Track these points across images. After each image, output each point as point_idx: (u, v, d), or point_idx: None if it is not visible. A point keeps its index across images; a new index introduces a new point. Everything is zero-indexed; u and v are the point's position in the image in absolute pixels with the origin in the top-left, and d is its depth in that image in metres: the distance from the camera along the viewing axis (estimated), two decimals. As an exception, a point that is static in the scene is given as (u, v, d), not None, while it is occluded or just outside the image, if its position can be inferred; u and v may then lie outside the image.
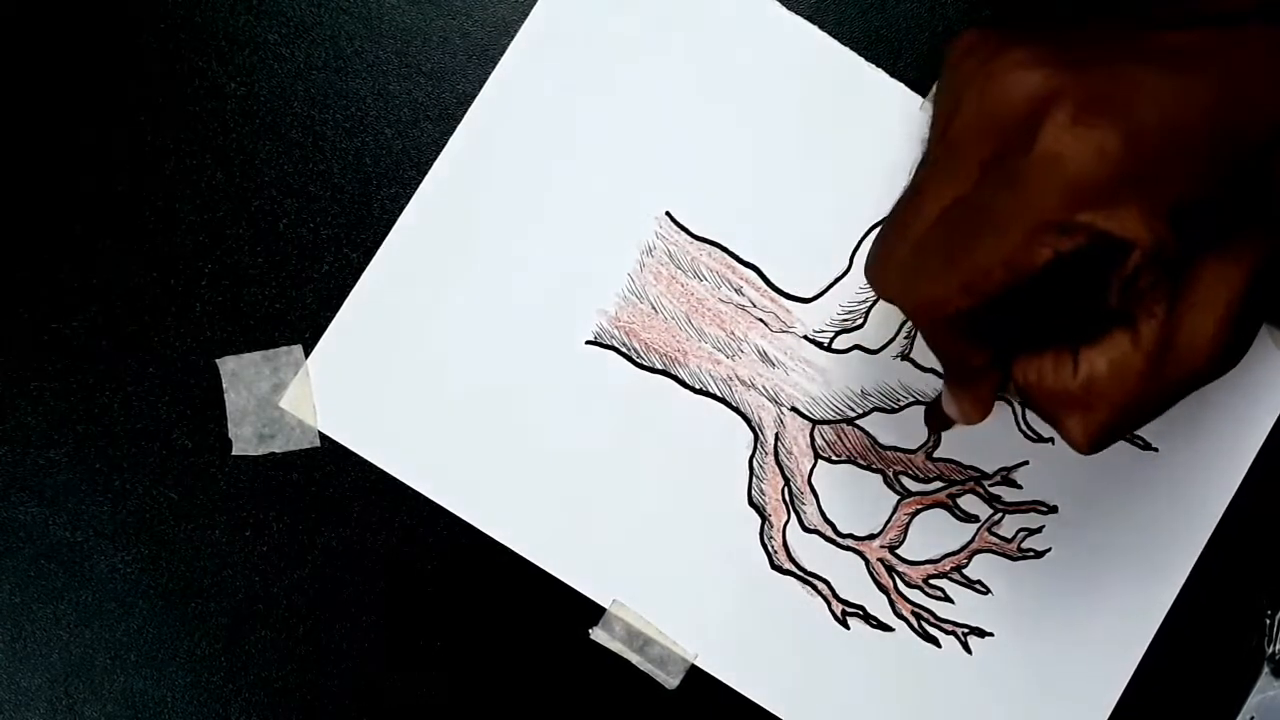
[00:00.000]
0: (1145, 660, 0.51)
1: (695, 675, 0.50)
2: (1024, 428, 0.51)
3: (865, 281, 0.50)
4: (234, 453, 0.49)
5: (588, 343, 0.50)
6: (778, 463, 0.50)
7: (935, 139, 0.37)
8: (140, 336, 0.49)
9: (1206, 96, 0.34)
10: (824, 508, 0.50)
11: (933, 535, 0.50)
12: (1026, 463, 0.51)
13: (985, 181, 0.35)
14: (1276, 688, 0.51)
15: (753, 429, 0.50)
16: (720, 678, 0.50)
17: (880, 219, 0.50)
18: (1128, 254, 0.34)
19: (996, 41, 0.36)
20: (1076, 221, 0.34)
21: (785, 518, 0.50)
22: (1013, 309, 0.37)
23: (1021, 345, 0.38)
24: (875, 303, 0.50)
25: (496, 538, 0.49)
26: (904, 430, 0.50)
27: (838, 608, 0.50)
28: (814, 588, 0.50)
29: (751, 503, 0.50)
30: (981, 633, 0.51)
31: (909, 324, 0.50)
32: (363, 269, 0.49)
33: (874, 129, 0.50)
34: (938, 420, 0.45)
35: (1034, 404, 0.38)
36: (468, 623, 0.50)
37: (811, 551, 0.50)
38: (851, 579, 0.50)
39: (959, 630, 0.50)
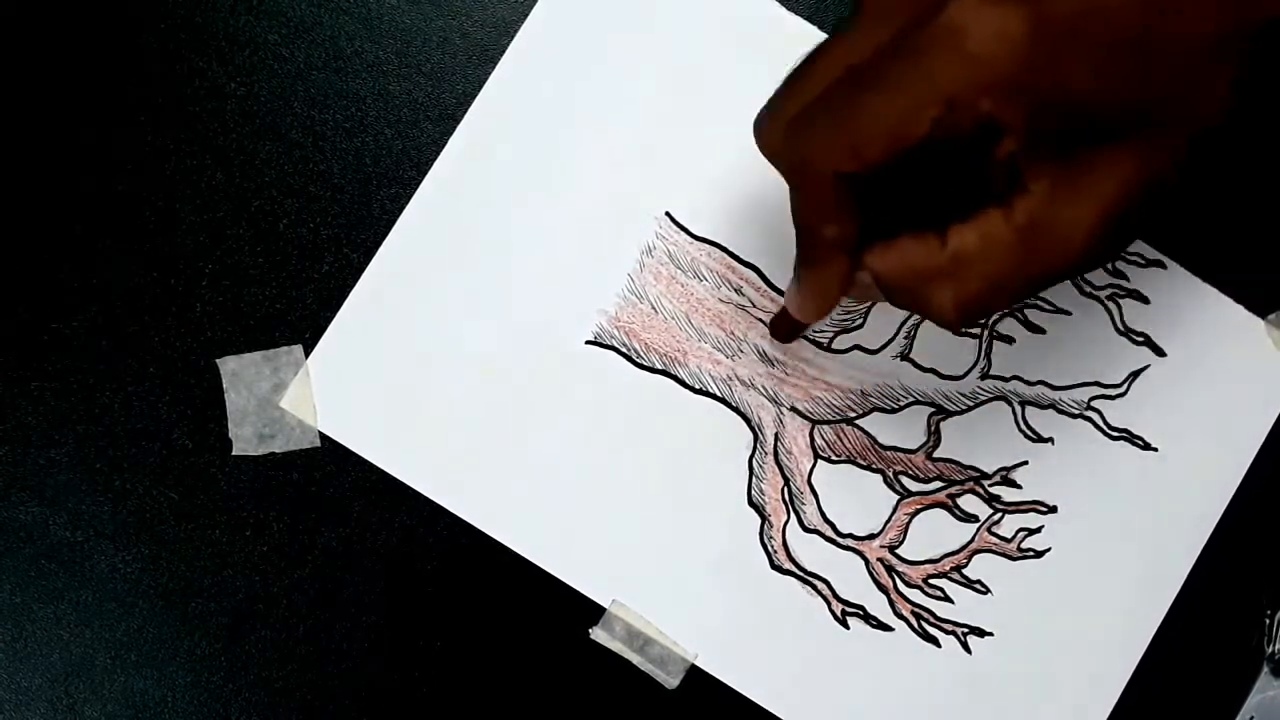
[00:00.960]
0: (1145, 660, 0.51)
1: (695, 675, 0.50)
2: (1024, 428, 0.51)
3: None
4: (234, 453, 0.49)
5: (588, 343, 0.50)
6: (777, 462, 0.50)
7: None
8: (140, 336, 0.49)
9: None
10: (824, 508, 0.50)
11: (933, 535, 0.50)
12: (1026, 463, 0.51)
13: (886, 49, 0.35)
14: (1276, 688, 0.51)
15: (752, 429, 0.50)
16: (720, 678, 0.50)
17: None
18: (1001, 137, 0.34)
19: None
20: (964, 99, 0.33)
21: (785, 518, 0.50)
22: (885, 187, 0.36)
23: (880, 232, 0.38)
24: (875, 302, 0.50)
25: (496, 538, 0.49)
26: (904, 430, 0.50)
27: (838, 608, 0.50)
28: (814, 588, 0.50)
29: (751, 503, 0.50)
30: (981, 633, 0.51)
31: (909, 324, 0.50)
32: (363, 269, 0.49)
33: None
34: (782, 325, 0.46)
35: (893, 285, 0.38)
36: (468, 623, 0.50)
37: (811, 551, 0.50)
38: (851, 579, 0.50)
39: (959, 630, 0.50)
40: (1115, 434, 0.51)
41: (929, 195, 0.37)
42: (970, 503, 0.51)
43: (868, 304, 0.50)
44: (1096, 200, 0.36)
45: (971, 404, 0.51)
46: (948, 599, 0.50)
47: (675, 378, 0.50)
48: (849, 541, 0.50)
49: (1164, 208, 0.37)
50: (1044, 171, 0.35)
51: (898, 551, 0.50)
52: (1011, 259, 0.36)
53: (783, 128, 0.37)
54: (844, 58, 0.36)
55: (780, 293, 0.50)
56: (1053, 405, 0.51)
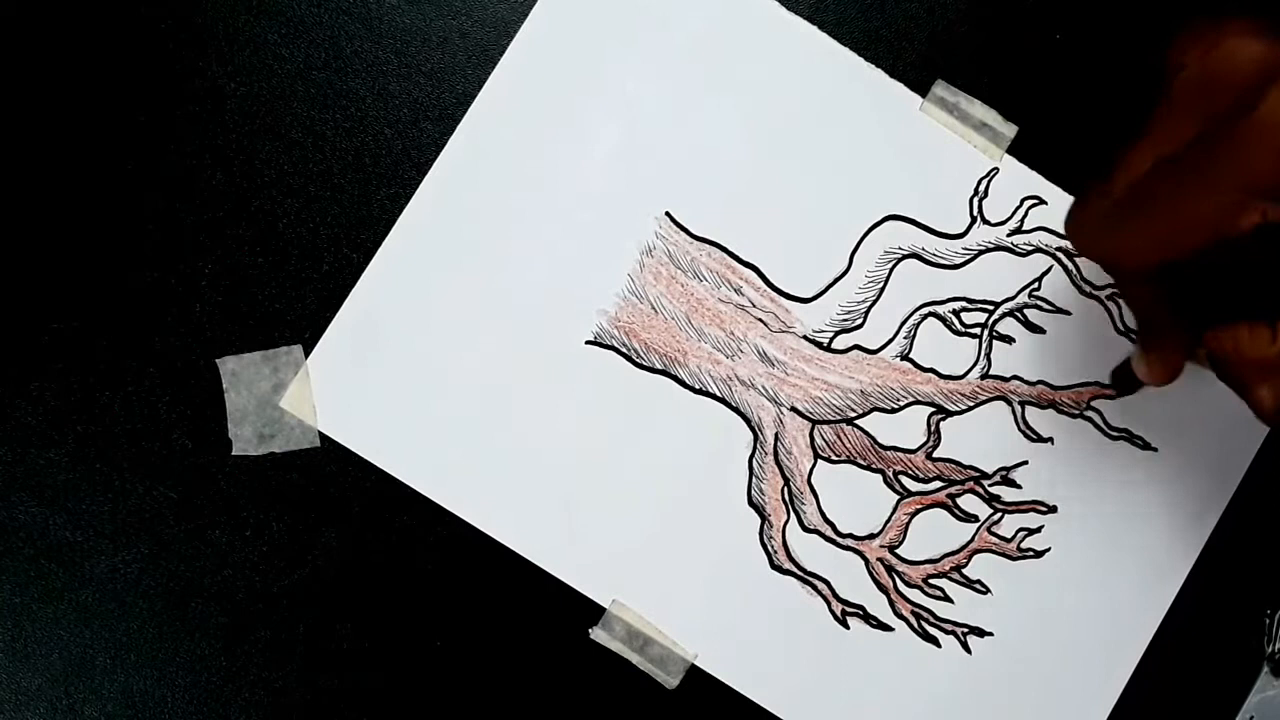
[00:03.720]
0: (1145, 660, 0.51)
1: (695, 675, 0.50)
2: (1024, 428, 0.51)
3: (865, 281, 0.50)
4: (234, 453, 0.49)
5: (588, 343, 0.50)
6: (777, 462, 0.50)
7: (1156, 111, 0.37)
8: (140, 336, 0.49)
9: None
10: (824, 508, 0.50)
11: (932, 535, 0.50)
12: (1026, 463, 0.51)
13: (1199, 141, 0.35)
14: (1276, 687, 0.51)
15: (752, 429, 0.50)
16: (720, 678, 0.50)
17: (879, 219, 0.50)
18: None
19: (1221, 19, 0.36)
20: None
21: (785, 518, 0.50)
22: (1212, 275, 0.37)
23: (1219, 316, 0.39)
24: (875, 303, 0.50)
25: (496, 538, 0.49)
26: (904, 430, 0.50)
27: (838, 608, 0.50)
28: (814, 588, 0.50)
29: (751, 503, 0.50)
30: (981, 633, 0.51)
31: (908, 324, 0.50)
32: (363, 269, 0.49)
33: (874, 129, 0.50)
34: (1125, 382, 0.46)
35: (1225, 371, 0.39)
36: (468, 623, 0.50)
37: (811, 551, 0.50)
38: (851, 579, 0.50)
39: (959, 630, 0.50)
40: (1115, 434, 0.51)
41: (1257, 280, 0.38)
42: (970, 503, 0.51)
43: (868, 304, 0.50)
44: None
45: (971, 404, 0.51)
46: (948, 599, 0.50)
47: (675, 378, 0.50)
48: (849, 541, 0.50)
49: None
50: None
51: (898, 551, 0.50)
52: None
53: (1098, 225, 0.37)
54: (1150, 153, 0.36)
55: (780, 292, 0.50)
56: (1053, 405, 0.51)
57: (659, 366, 0.50)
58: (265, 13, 0.49)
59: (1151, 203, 0.36)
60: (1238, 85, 0.34)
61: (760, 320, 0.50)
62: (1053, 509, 0.51)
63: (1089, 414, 0.51)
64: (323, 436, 0.49)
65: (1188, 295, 0.38)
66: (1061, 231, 0.50)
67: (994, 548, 0.51)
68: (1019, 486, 0.51)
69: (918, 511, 0.50)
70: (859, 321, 0.50)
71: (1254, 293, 0.38)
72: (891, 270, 0.50)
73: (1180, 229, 0.35)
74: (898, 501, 0.50)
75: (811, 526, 0.50)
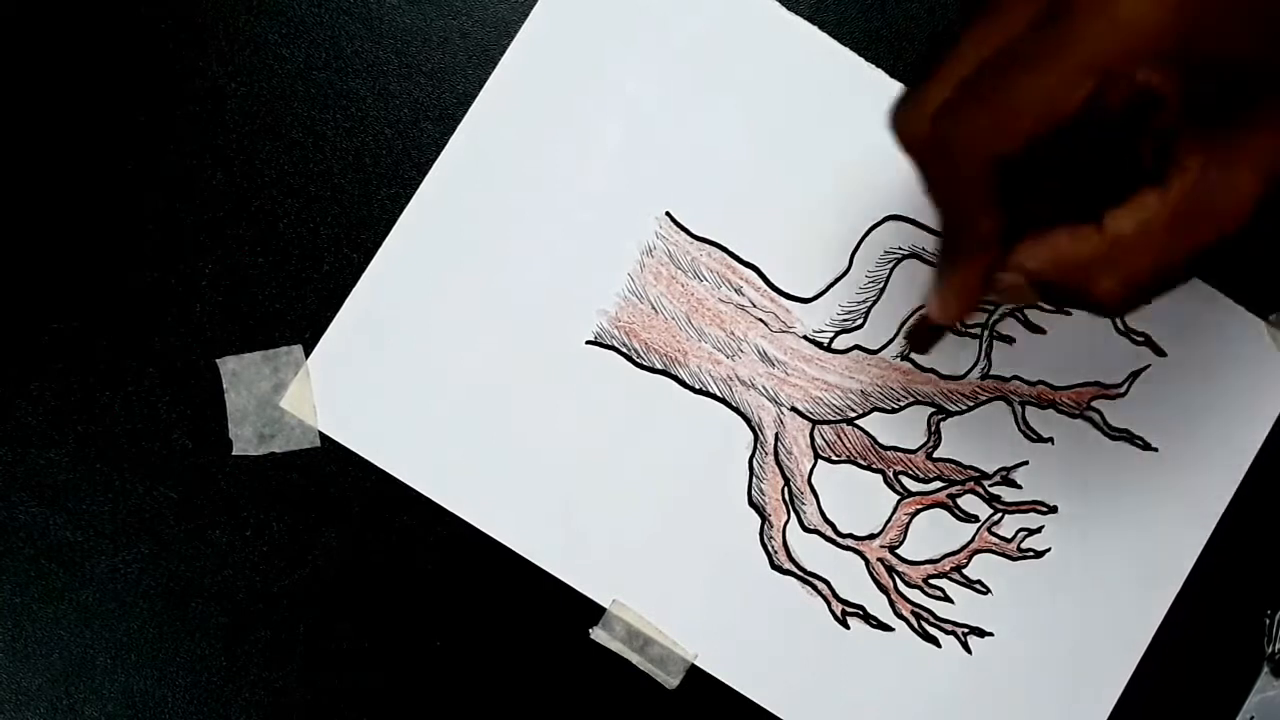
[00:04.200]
0: (1145, 660, 0.51)
1: (695, 675, 0.50)
2: (1024, 428, 0.51)
3: (866, 281, 0.50)
4: (234, 453, 0.49)
5: (588, 343, 0.50)
6: (778, 463, 0.50)
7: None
8: (140, 336, 0.49)
9: None
10: (824, 508, 0.50)
11: (933, 535, 0.50)
12: (1026, 463, 0.51)
13: (1033, 23, 0.34)
14: (1276, 688, 0.51)
15: (753, 429, 0.50)
16: (720, 678, 0.50)
17: (879, 219, 0.50)
18: (1160, 109, 0.34)
19: None
20: (1120, 68, 0.33)
21: (785, 518, 0.50)
22: (1037, 170, 0.36)
23: (1025, 227, 0.37)
24: (875, 303, 0.50)
25: (496, 538, 0.49)
26: (904, 430, 0.50)
27: (838, 608, 0.50)
28: (814, 588, 0.50)
29: (751, 503, 0.50)
30: (981, 633, 0.51)
31: (909, 324, 0.50)
32: (363, 269, 0.49)
33: (874, 129, 0.50)
34: (920, 335, 0.45)
35: (1050, 282, 0.37)
36: (468, 623, 0.50)
37: (811, 551, 0.50)
38: (851, 579, 0.50)
39: (959, 630, 0.50)
40: (1115, 434, 0.51)
41: (1075, 186, 0.36)
42: (970, 503, 0.51)
43: (868, 304, 0.50)
44: (1254, 165, 0.35)
45: (971, 404, 0.51)
46: (948, 599, 0.50)
47: (675, 378, 0.50)
48: (849, 541, 0.50)
49: None
50: (1196, 144, 0.34)
51: (898, 551, 0.50)
52: (1173, 238, 0.35)
53: (927, 116, 0.36)
54: (984, 42, 0.35)
55: (780, 292, 0.50)
56: (1053, 405, 0.51)
57: (659, 366, 0.50)
58: (265, 13, 0.49)
59: (986, 92, 0.35)
60: None
61: (760, 320, 0.50)
62: (1053, 509, 0.51)
63: (1089, 414, 0.51)
64: (323, 436, 0.49)
65: (1010, 198, 0.36)
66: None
67: (994, 548, 0.51)
68: (1019, 486, 0.51)
69: (918, 512, 0.50)
70: (859, 322, 0.50)
71: (1079, 187, 0.36)
72: (892, 270, 0.50)
73: (1017, 114, 0.34)
74: (898, 502, 0.50)
75: (812, 526, 0.50)
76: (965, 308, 0.39)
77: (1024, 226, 0.37)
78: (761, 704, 0.50)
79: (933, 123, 0.36)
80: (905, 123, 0.37)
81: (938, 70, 0.37)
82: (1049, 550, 0.51)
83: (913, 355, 0.50)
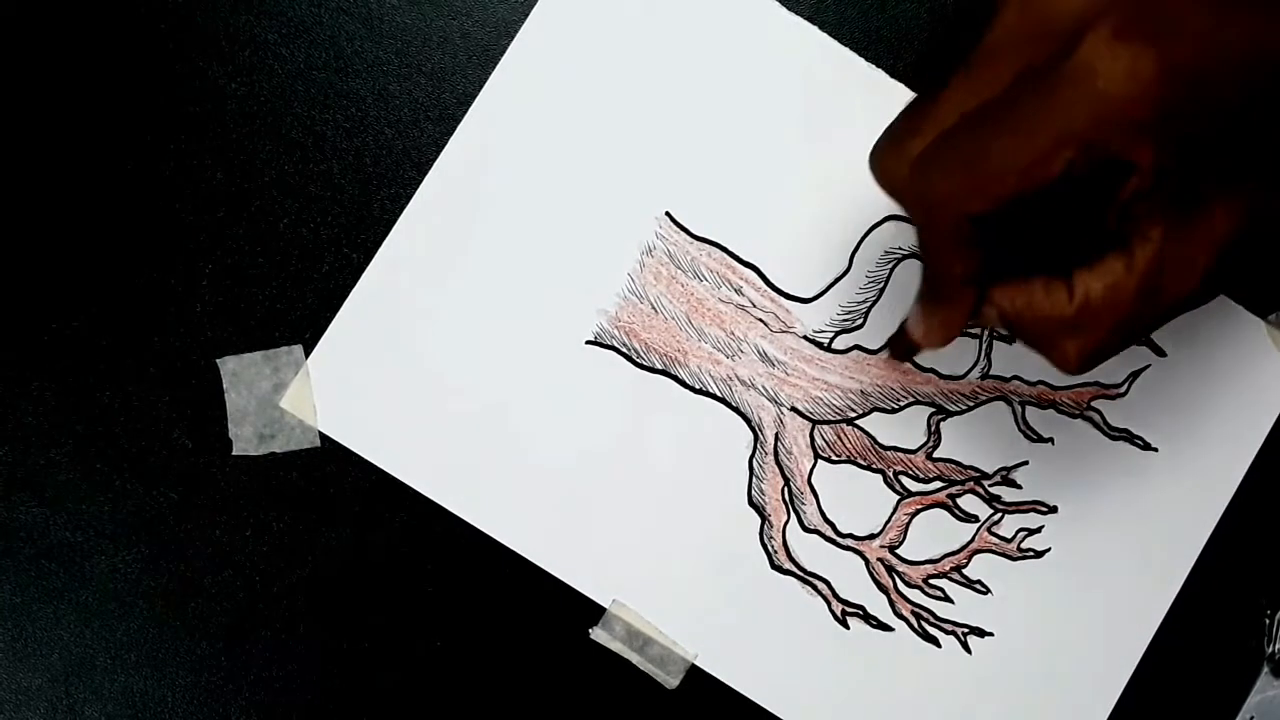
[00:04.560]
0: (1145, 660, 0.51)
1: (695, 675, 0.50)
2: (1024, 428, 0.51)
3: (866, 281, 0.50)
4: (234, 453, 0.49)
5: (588, 343, 0.50)
6: (778, 463, 0.50)
7: (970, 49, 0.37)
8: (140, 336, 0.49)
9: (1245, 35, 0.34)
10: (824, 508, 0.50)
11: (933, 535, 0.50)
12: (1026, 463, 0.51)
13: (1015, 87, 0.35)
14: (1276, 688, 0.51)
15: (753, 429, 0.50)
16: (720, 678, 0.50)
17: (879, 219, 0.50)
18: (1129, 177, 0.35)
19: None
20: (1097, 138, 0.34)
21: (785, 518, 0.50)
22: (1008, 226, 0.37)
23: (1003, 271, 0.38)
24: (875, 303, 0.50)
25: (496, 538, 0.49)
26: (904, 430, 0.50)
27: (838, 608, 0.50)
28: (814, 588, 0.50)
29: (751, 503, 0.50)
30: (981, 633, 0.51)
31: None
32: (363, 269, 0.49)
33: (874, 129, 0.50)
34: (901, 346, 0.46)
35: (1022, 329, 0.39)
36: (468, 623, 0.50)
37: (811, 551, 0.50)
38: (851, 579, 0.50)
39: (959, 630, 0.50)
40: (1115, 434, 0.51)
41: (1054, 231, 0.38)
42: (970, 503, 0.51)
43: (868, 304, 0.50)
44: (1211, 241, 0.36)
45: (971, 404, 0.51)
46: (948, 599, 0.50)
47: (675, 378, 0.50)
48: (849, 541, 0.50)
49: (1273, 242, 0.38)
50: (1159, 213, 0.36)
51: (898, 551, 0.50)
52: (1133, 307, 0.37)
53: (907, 166, 0.37)
54: (968, 95, 0.36)
55: (780, 292, 0.50)
56: (1053, 405, 0.51)
57: (659, 366, 0.50)
58: (265, 13, 0.49)
59: (965, 150, 0.35)
60: (1056, 32, 0.34)
61: (760, 320, 0.50)
62: (1053, 509, 0.51)
63: (1089, 414, 0.51)
64: (323, 436, 0.49)
65: (983, 246, 0.37)
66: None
67: (994, 548, 0.51)
68: (1019, 486, 0.51)
69: (918, 512, 0.50)
70: (859, 321, 0.50)
71: (1047, 245, 0.37)
72: (892, 270, 0.50)
73: (994, 177, 0.35)
74: (898, 502, 0.50)
75: (812, 526, 0.50)
76: (947, 338, 0.41)
77: (1006, 266, 0.38)
78: (761, 704, 0.50)
79: (911, 172, 0.37)
80: (885, 166, 0.38)
81: (919, 112, 0.37)
82: (1049, 550, 0.51)
83: (913, 355, 0.50)
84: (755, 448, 0.50)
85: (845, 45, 0.50)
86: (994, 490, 0.51)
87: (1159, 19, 0.34)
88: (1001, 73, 0.36)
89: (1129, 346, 0.38)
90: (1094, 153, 0.34)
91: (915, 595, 0.50)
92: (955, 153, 0.36)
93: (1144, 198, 0.35)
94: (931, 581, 0.50)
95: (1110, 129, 0.34)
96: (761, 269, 0.50)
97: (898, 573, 0.50)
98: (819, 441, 0.50)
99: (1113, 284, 0.37)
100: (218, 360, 0.49)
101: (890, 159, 0.38)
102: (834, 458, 0.50)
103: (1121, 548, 0.51)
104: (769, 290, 0.50)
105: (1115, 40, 0.33)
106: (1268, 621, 0.51)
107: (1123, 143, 0.34)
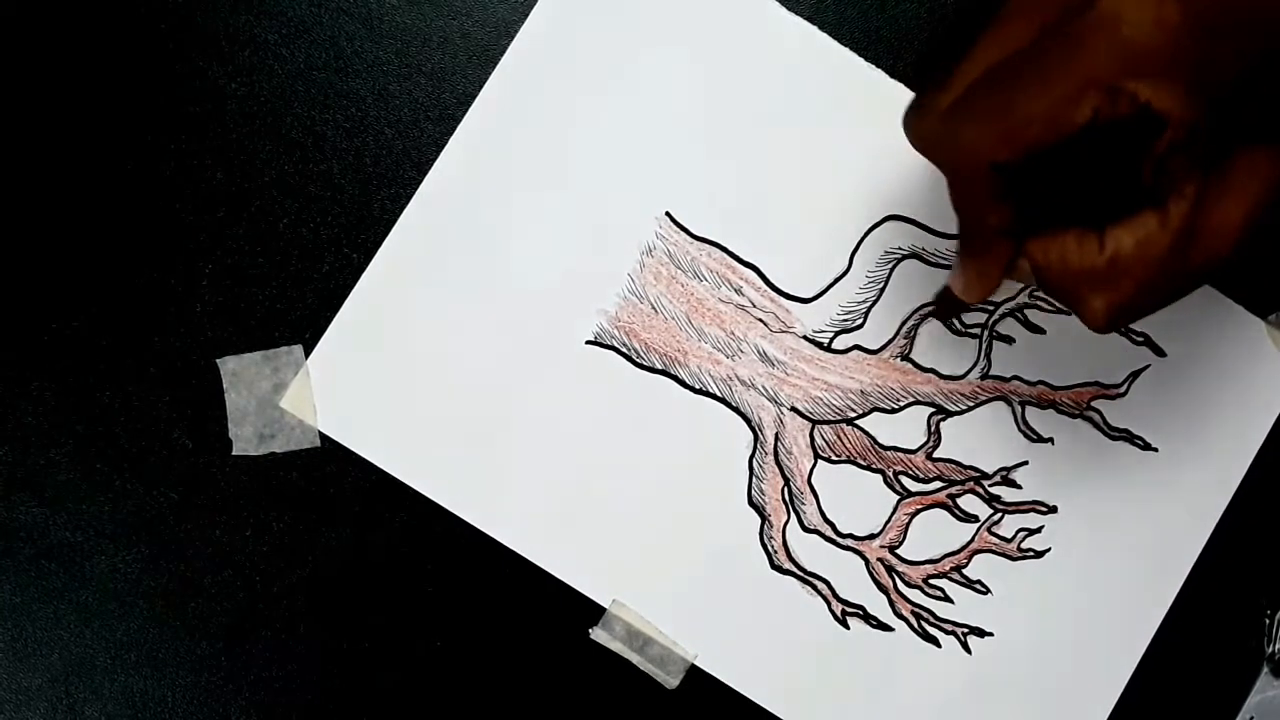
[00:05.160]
0: (1145, 660, 0.51)
1: (695, 675, 0.50)
2: (1024, 428, 0.51)
3: (866, 281, 0.50)
4: (234, 453, 0.49)
5: (588, 343, 0.50)
6: (777, 463, 0.50)
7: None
8: (140, 336, 0.49)
9: None
10: (824, 508, 0.50)
11: (933, 535, 0.50)
12: (1026, 463, 0.51)
13: (1040, 39, 0.35)
14: (1276, 688, 0.51)
15: (753, 429, 0.50)
16: (720, 678, 0.50)
17: (879, 219, 0.50)
18: (1162, 131, 0.35)
19: None
20: (1122, 86, 0.34)
21: (785, 518, 0.50)
22: (1040, 177, 0.37)
23: (1038, 225, 0.38)
24: (875, 303, 0.50)
25: (496, 538, 0.49)
26: (904, 430, 0.50)
27: (838, 608, 0.50)
28: (814, 588, 0.50)
29: (751, 503, 0.50)
30: (981, 633, 0.51)
31: (908, 324, 0.50)
32: (363, 269, 0.49)
33: (874, 129, 0.50)
34: (945, 305, 0.45)
35: (1051, 283, 0.39)
36: (468, 623, 0.50)
37: (811, 551, 0.50)
38: (851, 579, 0.50)
39: (959, 630, 0.50)
40: (1115, 434, 0.51)
41: (1088, 185, 0.37)
42: (970, 503, 0.51)
43: (868, 304, 0.50)
44: (1243, 200, 0.36)
45: (971, 404, 0.51)
46: (948, 599, 0.50)
47: (675, 378, 0.50)
48: (849, 541, 0.50)
49: None
50: (1194, 171, 0.36)
51: (898, 551, 0.50)
52: (1164, 264, 0.37)
53: (937, 120, 0.37)
54: (996, 49, 0.36)
55: (780, 292, 0.50)
56: (1053, 405, 0.51)
57: (659, 366, 0.50)
58: (265, 13, 0.49)
59: (991, 99, 0.36)
60: None
61: (760, 320, 0.50)
62: (1053, 509, 0.51)
63: (1089, 414, 0.51)
64: (323, 436, 0.49)
65: (1015, 200, 0.37)
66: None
67: (994, 548, 0.51)
68: (1019, 487, 0.51)
69: (918, 512, 0.50)
70: (859, 321, 0.50)
71: (1081, 198, 0.37)
72: (892, 270, 0.50)
73: (1019, 124, 0.35)
74: (898, 502, 0.50)
75: (811, 526, 0.50)
76: (986, 290, 0.41)
77: (1044, 218, 0.38)
78: (761, 704, 0.50)
79: (940, 123, 0.37)
80: (916, 122, 0.38)
81: (946, 75, 0.38)
82: (1049, 550, 0.51)
83: (912, 355, 0.50)
84: (755, 448, 0.50)
85: (845, 45, 0.50)
86: (994, 490, 0.51)
87: None
88: (1028, 28, 0.36)
89: (1156, 309, 0.38)
90: (1121, 100, 0.34)
91: (915, 595, 0.50)
92: (982, 102, 0.36)
93: (1179, 151, 0.35)
94: (931, 581, 0.50)
95: (1136, 77, 0.34)
96: (761, 269, 0.50)
97: (898, 573, 0.50)
98: (819, 441, 0.50)
99: (1145, 238, 0.36)
100: (218, 360, 0.49)
101: (922, 115, 0.38)
102: (834, 458, 0.50)
103: (1121, 548, 0.51)
104: (769, 290, 0.50)
105: None
106: (1268, 621, 0.51)
107: (1151, 90, 0.34)
